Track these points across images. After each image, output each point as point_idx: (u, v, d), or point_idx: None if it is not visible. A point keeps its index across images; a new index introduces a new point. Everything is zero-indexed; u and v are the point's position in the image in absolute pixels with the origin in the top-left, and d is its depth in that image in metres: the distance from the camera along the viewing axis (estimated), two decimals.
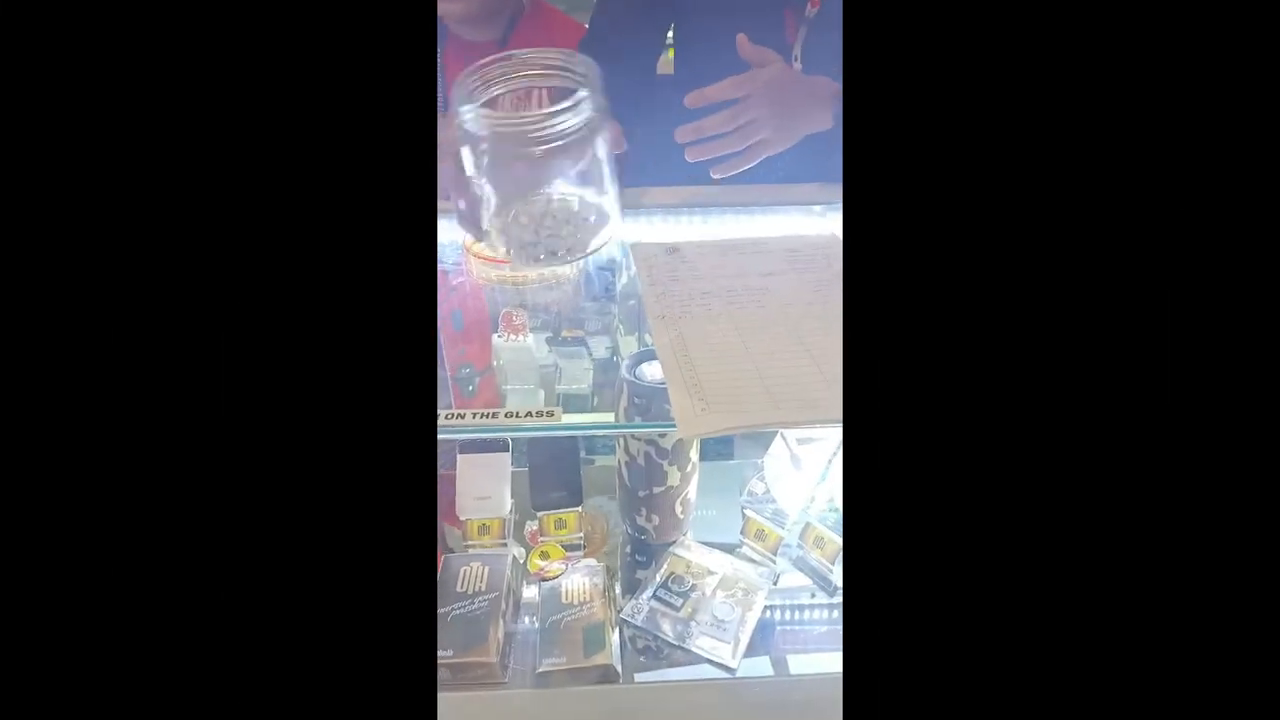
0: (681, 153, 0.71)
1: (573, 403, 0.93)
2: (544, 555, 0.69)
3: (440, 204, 0.58)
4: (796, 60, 0.85)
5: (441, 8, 1.02)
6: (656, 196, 0.78)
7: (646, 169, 0.85)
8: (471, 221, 0.59)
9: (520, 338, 0.82)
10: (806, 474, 0.80)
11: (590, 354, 0.90)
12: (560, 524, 0.72)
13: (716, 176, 0.73)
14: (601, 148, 0.52)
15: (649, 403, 0.64)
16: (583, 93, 0.48)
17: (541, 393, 0.95)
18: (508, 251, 0.53)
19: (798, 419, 0.46)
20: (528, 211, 0.52)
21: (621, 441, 0.75)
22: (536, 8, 1.12)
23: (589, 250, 0.55)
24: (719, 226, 0.74)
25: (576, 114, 0.48)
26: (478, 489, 0.71)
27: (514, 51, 0.53)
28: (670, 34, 0.93)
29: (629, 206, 0.77)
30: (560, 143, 0.48)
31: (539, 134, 0.47)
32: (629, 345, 0.81)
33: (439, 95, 0.94)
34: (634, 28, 0.87)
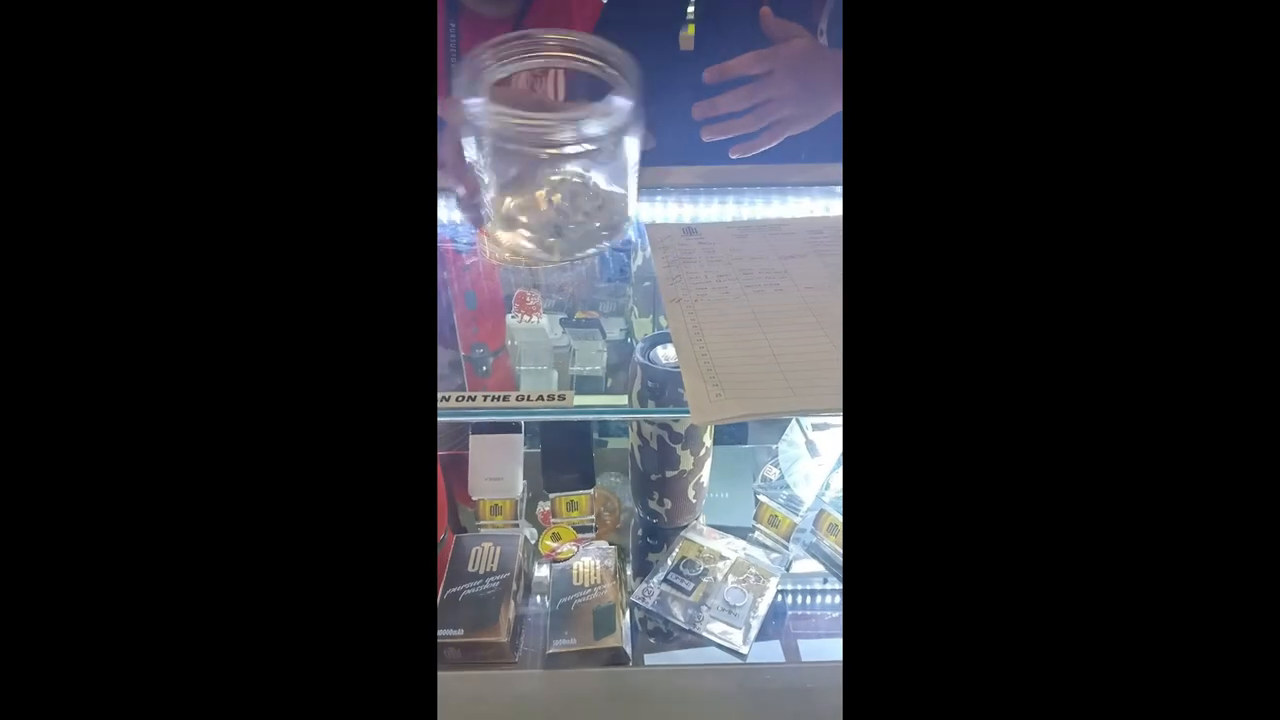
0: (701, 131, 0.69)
1: (586, 385, 0.93)
2: (555, 537, 0.69)
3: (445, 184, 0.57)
4: (822, 34, 0.82)
5: None
6: (676, 177, 0.76)
7: (666, 147, 0.83)
8: (471, 208, 0.57)
9: (534, 319, 0.81)
10: (822, 460, 0.79)
11: (604, 335, 0.90)
12: (572, 506, 0.72)
13: (734, 157, 0.71)
14: (628, 151, 0.50)
15: (662, 387, 0.63)
16: (621, 101, 0.46)
17: (555, 374, 0.95)
18: (515, 244, 0.52)
19: (815, 406, 0.45)
20: (534, 205, 0.51)
21: (634, 425, 0.74)
22: None
23: (601, 246, 0.54)
24: (739, 208, 0.72)
25: (607, 121, 0.46)
26: (490, 469, 0.71)
27: (533, 31, 0.52)
28: (691, 8, 0.90)
29: (646, 186, 0.75)
30: (586, 147, 0.46)
31: (560, 138, 0.45)
32: (644, 328, 0.80)
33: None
34: (654, 1, 0.85)
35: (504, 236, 0.53)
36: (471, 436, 0.72)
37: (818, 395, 0.44)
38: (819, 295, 0.54)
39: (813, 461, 0.77)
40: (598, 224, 0.54)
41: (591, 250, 0.55)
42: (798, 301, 0.53)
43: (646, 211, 0.72)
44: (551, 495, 0.72)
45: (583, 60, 0.51)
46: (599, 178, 0.53)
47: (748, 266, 0.59)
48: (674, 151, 0.81)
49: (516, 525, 0.71)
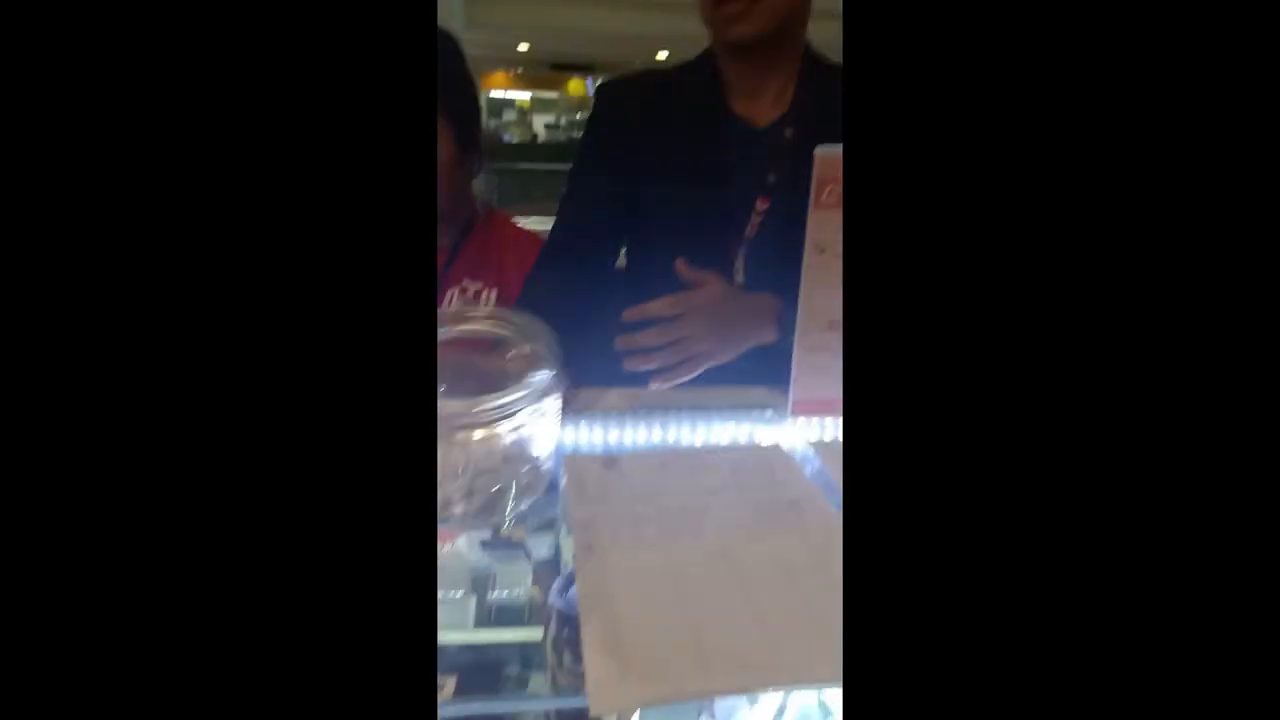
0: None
1: (506, 615, 0.85)
2: None
3: None
4: (739, 274, 0.88)
5: None
6: (605, 402, 0.76)
7: (596, 370, 0.84)
8: None
9: (449, 544, 0.75)
10: (762, 710, 0.71)
11: (529, 557, 0.84)
12: None
13: (654, 387, 0.73)
14: (549, 411, 0.50)
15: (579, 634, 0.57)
16: (541, 374, 0.47)
17: (473, 600, 0.86)
18: None
19: (728, 686, 0.40)
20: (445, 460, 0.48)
21: (549, 674, 0.66)
22: (490, 217, 1.15)
23: (519, 507, 0.51)
24: (666, 431, 0.71)
25: (528, 400, 0.46)
26: None
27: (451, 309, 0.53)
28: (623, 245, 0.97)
29: (572, 413, 0.74)
30: (502, 420, 0.46)
31: (475, 422, 0.45)
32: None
33: None
34: (589, 242, 0.90)
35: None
36: None
37: (732, 673, 0.39)
38: (739, 544, 0.50)
39: (752, 711, 0.69)
40: (515, 484, 0.52)
41: (507, 511, 0.52)
42: (717, 549, 0.50)
43: (572, 435, 0.70)
44: None
45: (506, 332, 0.52)
46: (517, 437, 0.51)
47: (667, 504, 0.56)
48: (604, 372, 0.82)
49: None
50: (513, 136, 9.76)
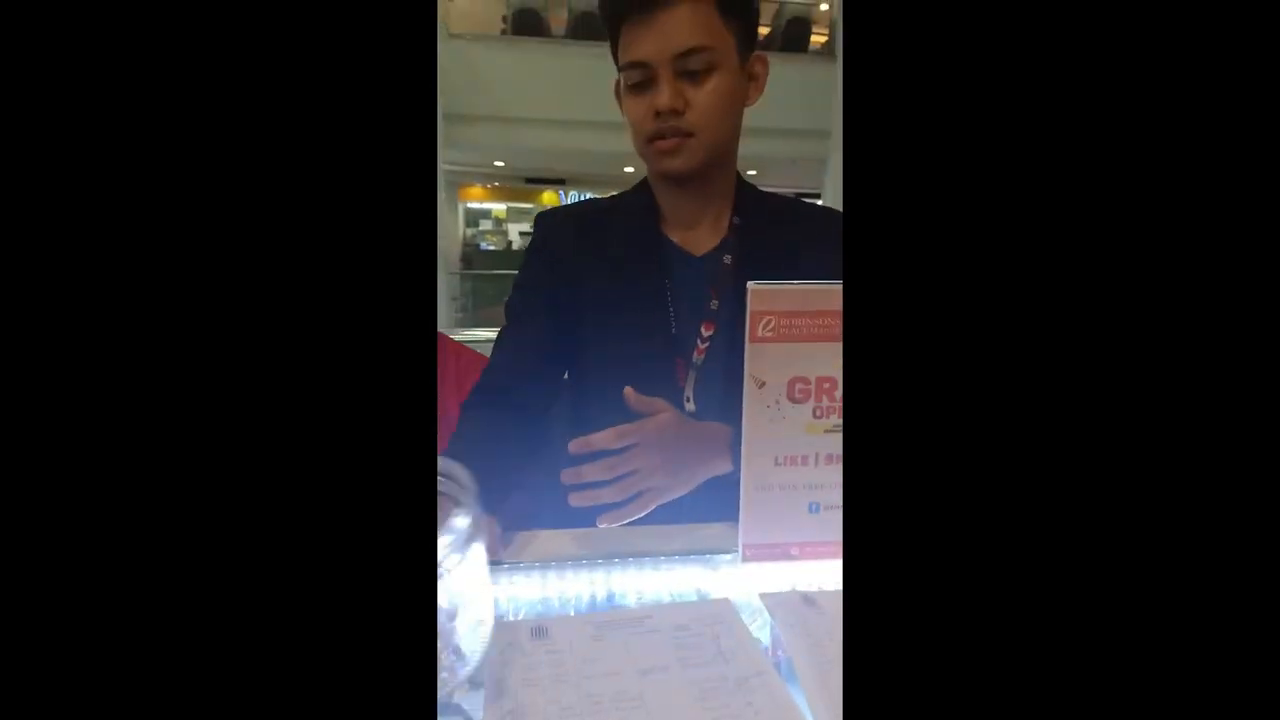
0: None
1: None
2: None
3: None
4: (689, 402, 0.84)
5: None
6: (540, 548, 0.70)
7: (536, 514, 0.79)
8: None
9: None
10: None
11: None
12: None
13: (601, 526, 0.67)
14: (475, 558, 0.44)
15: None
16: (460, 520, 0.42)
17: None
18: None
19: None
20: None
21: None
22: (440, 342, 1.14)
23: (457, 675, 0.44)
24: (609, 578, 0.65)
25: (456, 549, 0.41)
26: None
27: None
28: (566, 375, 0.93)
29: (508, 561, 0.68)
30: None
31: None
32: None
33: None
34: (530, 373, 0.86)
35: None
36: None
37: None
38: None
39: None
40: (449, 649, 0.44)
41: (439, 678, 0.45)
42: None
43: (503, 592, 0.63)
44: None
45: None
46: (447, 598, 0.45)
47: (599, 690, 0.49)
48: (545, 516, 0.76)
49: None
50: (489, 244, 10.02)
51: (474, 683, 0.51)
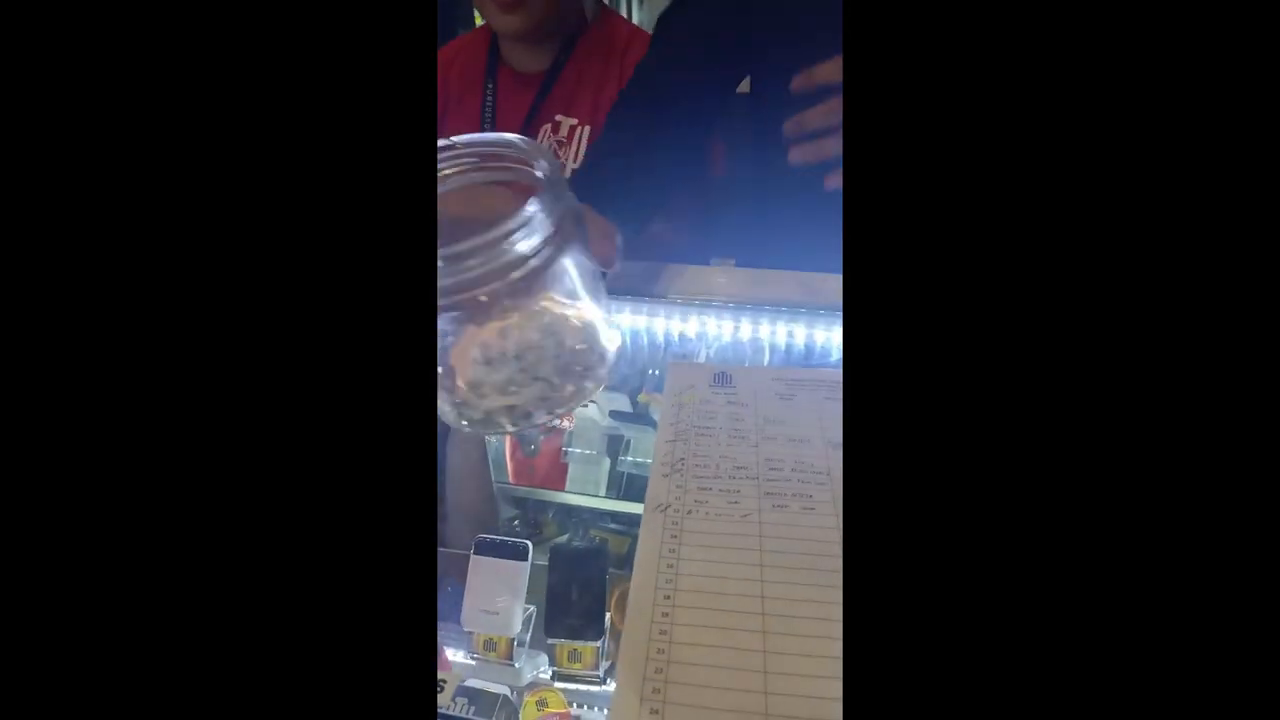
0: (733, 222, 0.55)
1: (636, 484, 0.82)
2: (542, 703, 0.60)
3: None
4: None
5: (497, 22, 0.88)
6: (710, 282, 0.59)
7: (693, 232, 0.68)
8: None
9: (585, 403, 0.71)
10: None
11: None
12: (575, 656, 0.62)
13: (829, 189, 0.53)
14: (576, 268, 0.38)
15: None
16: (531, 208, 0.34)
17: (606, 462, 0.84)
18: (456, 409, 0.41)
19: None
20: (477, 363, 0.39)
21: None
22: (606, 19, 0.95)
23: (568, 406, 0.41)
24: (795, 329, 0.56)
25: (529, 234, 0.34)
26: (486, 600, 0.63)
27: (454, 139, 0.40)
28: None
29: (655, 296, 0.59)
30: (512, 277, 0.34)
31: (473, 274, 0.33)
32: None
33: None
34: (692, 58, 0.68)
35: (480, 405, 0.42)
36: (473, 557, 0.64)
37: None
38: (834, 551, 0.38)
39: None
40: (568, 363, 0.41)
41: (575, 404, 0.43)
42: (817, 538, 0.38)
43: (656, 324, 0.58)
44: (551, 641, 0.62)
45: (496, 168, 0.39)
46: (562, 310, 0.40)
47: (778, 455, 0.44)
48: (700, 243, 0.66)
49: (512, 665, 0.63)
50: None
51: None
